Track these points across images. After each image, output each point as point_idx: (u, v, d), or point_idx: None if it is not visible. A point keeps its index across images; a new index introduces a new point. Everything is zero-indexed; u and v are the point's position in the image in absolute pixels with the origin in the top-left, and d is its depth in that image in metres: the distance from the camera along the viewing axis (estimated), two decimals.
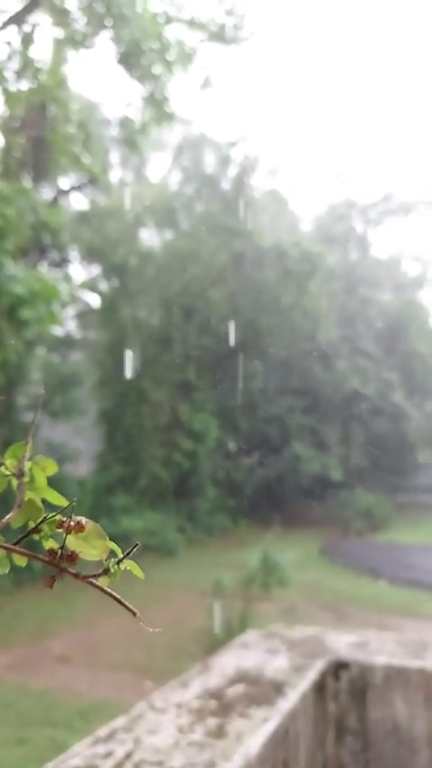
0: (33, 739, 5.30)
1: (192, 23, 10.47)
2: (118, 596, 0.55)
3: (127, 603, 0.54)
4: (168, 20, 10.37)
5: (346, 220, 20.07)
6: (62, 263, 15.86)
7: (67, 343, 16.40)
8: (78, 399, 14.75)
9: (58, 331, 14.66)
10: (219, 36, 10.56)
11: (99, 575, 0.55)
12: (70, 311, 16.18)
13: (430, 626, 8.50)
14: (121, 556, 0.55)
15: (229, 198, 16.05)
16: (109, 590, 0.55)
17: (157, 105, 10.65)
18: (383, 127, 35.12)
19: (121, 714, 1.88)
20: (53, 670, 7.02)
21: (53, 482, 0.64)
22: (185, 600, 9.59)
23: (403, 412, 17.77)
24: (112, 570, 0.55)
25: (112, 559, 0.56)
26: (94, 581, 0.55)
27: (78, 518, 0.56)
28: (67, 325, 16.87)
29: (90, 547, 0.56)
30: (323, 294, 17.05)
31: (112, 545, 0.56)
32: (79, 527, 0.55)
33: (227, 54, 17.38)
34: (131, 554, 0.55)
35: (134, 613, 0.54)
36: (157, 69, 10.31)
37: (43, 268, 13.75)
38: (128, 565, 0.56)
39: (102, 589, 0.55)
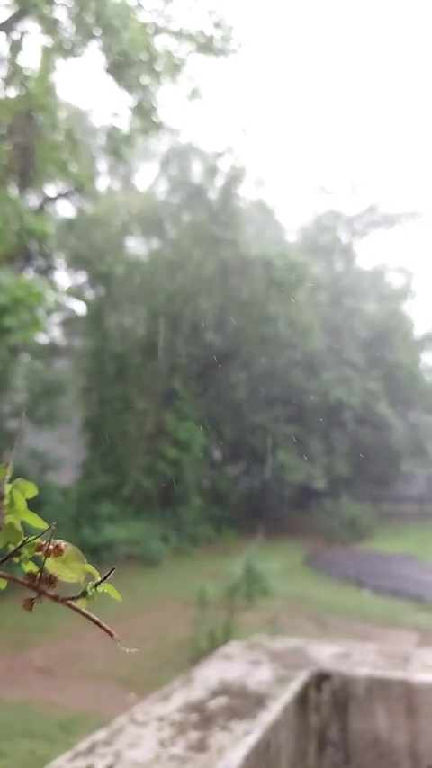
0: (13, 752, 5.24)
1: (180, 35, 10.54)
2: (96, 618, 0.55)
3: (105, 625, 0.55)
4: (157, 31, 10.43)
5: (331, 231, 20.24)
6: (48, 270, 15.82)
7: (51, 350, 16.34)
8: (63, 407, 14.69)
9: (42, 338, 14.61)
10: (207, 47, 10.63)
11: (77, 597, 0.56)
12: (55, 318, 16.14)
13: (413, 636, 8.53)
14: (99, 579, 0.56)
15: (216, 208, 16.13)
16: (87, 612, 0.56)
17: (144, 115, 10.69)
18: (369, 139, 35.53)
19: (102, 727, 1.87)
20: (33, 681, 6.95)
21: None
22: (169, 610, 9.54)
23: (387, 422, 17.88)
24: (90, 593, 0.55)
25: (90, 582, 0.56)
26: (73, 603, 0.56)
27: (57, 541, 0.56)
28: (52, 332, 16.83)
29: (69, 570, 0.56)
30: (308, 304, 17.16)
31: (90, 568, 0.57)
32: (58, 550, 0.56)
33: (215, 65, 17.50)
34: (108, 577, 0.56)
35: (111, 635, 0.55)
36: (146, 79, 10.36)
37: (29, 275, 13.70)
38: (105, 588, 0.56)
39: (80, 611, 0.55)
